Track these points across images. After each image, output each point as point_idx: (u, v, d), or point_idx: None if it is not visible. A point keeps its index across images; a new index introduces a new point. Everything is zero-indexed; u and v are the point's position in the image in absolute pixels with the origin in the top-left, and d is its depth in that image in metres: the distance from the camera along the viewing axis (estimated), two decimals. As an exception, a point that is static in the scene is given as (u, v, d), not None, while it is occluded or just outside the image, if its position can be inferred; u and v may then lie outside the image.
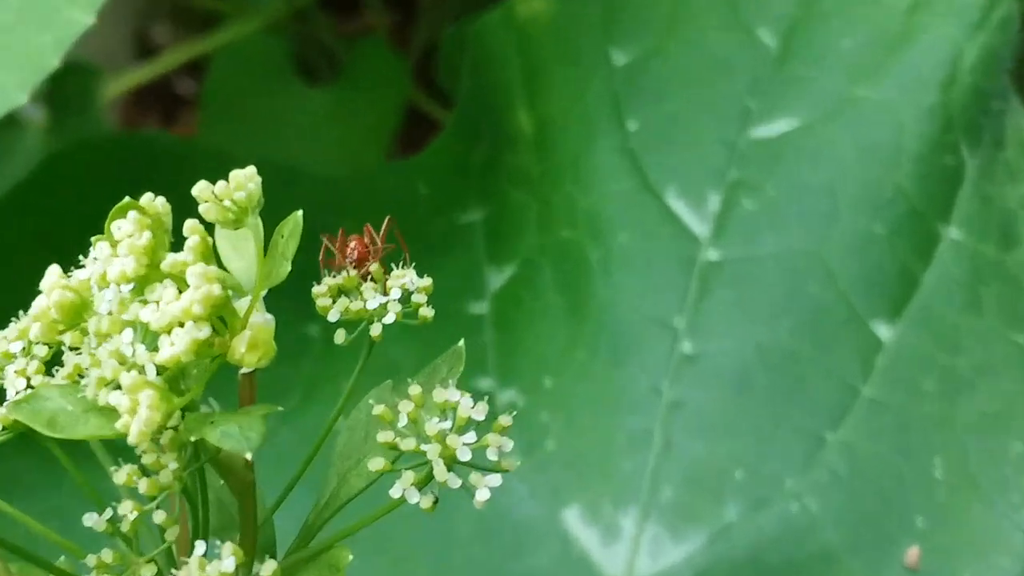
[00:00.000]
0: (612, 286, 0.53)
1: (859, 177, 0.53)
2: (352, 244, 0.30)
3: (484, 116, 0.58)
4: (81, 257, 0.29)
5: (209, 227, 0.28)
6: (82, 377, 0.27)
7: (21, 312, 0.31)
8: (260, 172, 0.61)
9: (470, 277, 0.56)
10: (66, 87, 0.74)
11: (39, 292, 0.30)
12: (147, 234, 0.27)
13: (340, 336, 0.30)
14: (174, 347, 0.26)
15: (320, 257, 0.31)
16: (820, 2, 0.54)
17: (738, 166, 0.53)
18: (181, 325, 0.26)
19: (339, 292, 0.30)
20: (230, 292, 0.27)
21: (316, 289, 0.30)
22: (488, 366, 0.54)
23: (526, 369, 0.53)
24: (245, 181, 0.27)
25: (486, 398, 0.28)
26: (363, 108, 0.82)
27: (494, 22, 0.57)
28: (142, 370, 0.26)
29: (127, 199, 0.29)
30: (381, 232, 0.30)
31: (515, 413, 0.29)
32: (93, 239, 0.28)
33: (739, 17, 0.55)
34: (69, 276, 0.28)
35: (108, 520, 0.28)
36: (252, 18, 0.83)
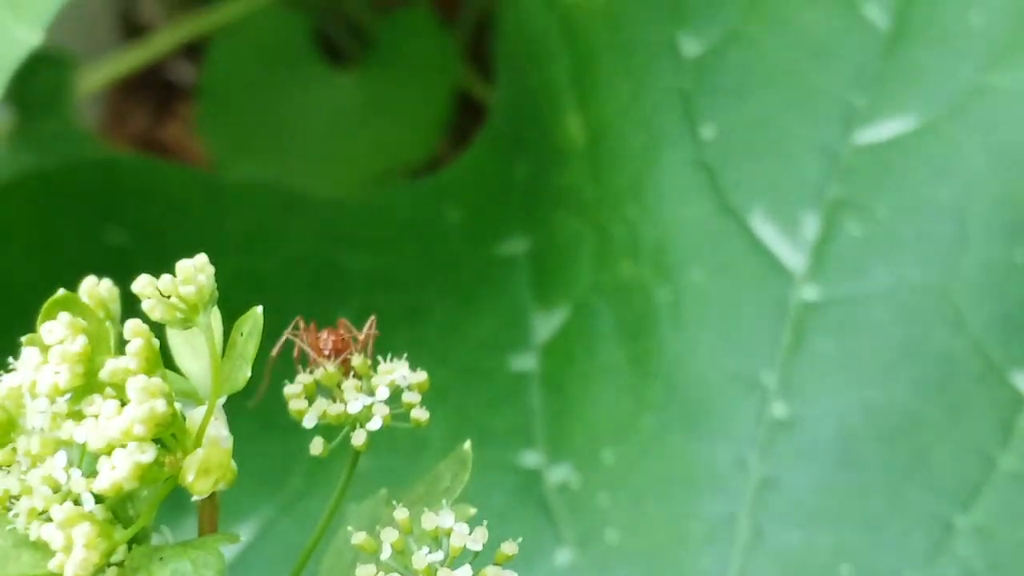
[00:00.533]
0: (685, 335, 0.55)
1: (993, 191, 0.54)
2: (326, 335, 0.32)
3: (526, 124, 0.60)
4: (10, 356, 0.31)
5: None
6: (12, 505, 0.30)
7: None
8: (253, 198, 0.64)
9: (512, 324, 0.58)
10: (35, 82, 0.77)
11: None
12: (81, 339, 0.29)
13: (317, 446, 0.32)
14: (115, 472, 0.28)
15: (294, 352, 0.33)
16: (941, -29, 0.56)
17: (840, 180, 0.55)
18: (123, 446, 0.28)
19: (317, 390, 0.33)
20: (178, 406, 0.29)
21: (288, 389, 0.32)
22: (535, 436, 0.56)
23: (581, 440, 0.55)
24: (194, 273, 0.29)
25: (485, 523, 0.30)
26: (403, 95, 0.84)
27: (535, 6, 0.59)
28: (78, 500, 0.29)
29: (62, 291, 0.31)
30: (366, 329, 0.33)
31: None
32: (22, 340, 0.31)
33: (840, -9, 0.56)
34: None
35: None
36: (263, -13, 0.85)
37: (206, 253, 0.30)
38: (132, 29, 0.96)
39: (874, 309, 0.54)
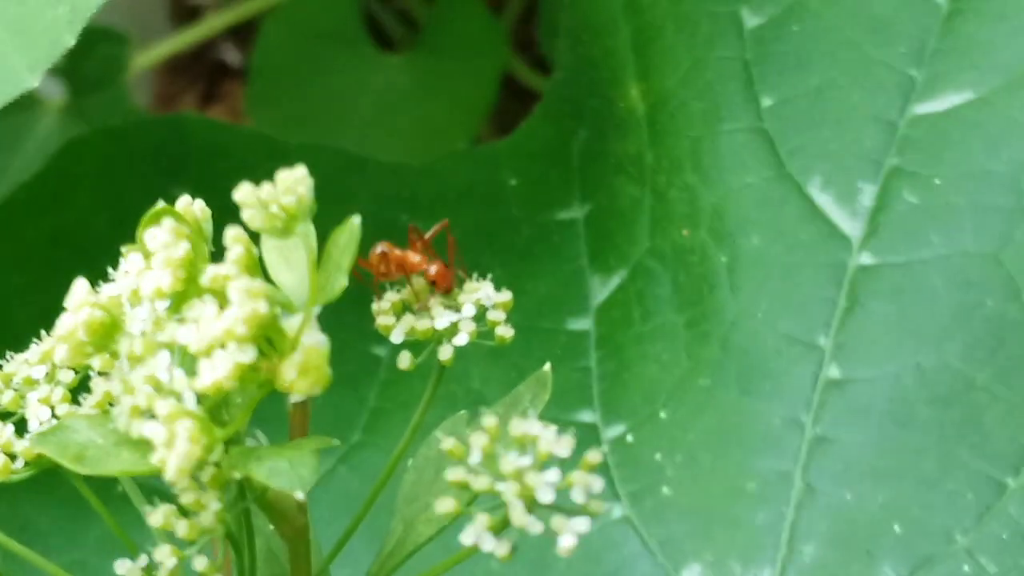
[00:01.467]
0: (742, 299, 0.56)
1: (1048, 162, 0.55)
2: (411, 254, 0.33)
3: (586, 93, 0.61)
4: (108, 265, 0.33)
5: (255, 234, 0.31)
6: (113, 406, 0.31)
7: (42, 330, 0.35)
8: (316, 159, 0.65)
9: (569, 287, 0.59)
10: (88, 59, 0.78)
11: (59, 300, 0.34)
12: (185, 245, 0.30)
13: (404, 360, 0.33)
14: (215, 372, 0.29)
15: (375, 269, 0.34)
16: (1001, -57, 0.57)
17: (898, 150, 0.56)
18: (223, 347, 0.29)
19: (404, 308, 0.34)
20: (278, 310, 0.30)
21: (377, 305, 0.33)
22: (591, 395, 0.57)
23: (637, 399, 0.56)
24: (295, 184, 0.30)
25: (573, 430, 0.31)
26: (449, 79, 0.85)
27: (598, -23, 0.60)
28: (180, 397, 0.29)
29: (161, 204, 0.32)
30: (430, 234, 0.34)
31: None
32: (124, 249, 0.32)
33: (901, -35, 0.57)
34: (97, 291, 0.32)
35: (143, 569, 0.31)
36: (313, -31, 0.86)
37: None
38: (181, 10, 0.97)
39: (929, 275, 0.54)
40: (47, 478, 0.56)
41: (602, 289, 0.58)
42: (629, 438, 0.56)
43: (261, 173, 0.61)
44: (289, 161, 0.62)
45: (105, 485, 0.54)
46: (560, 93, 0.62)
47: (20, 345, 0.55)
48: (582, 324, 0.58)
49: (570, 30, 0.62)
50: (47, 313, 0.58)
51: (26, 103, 0.77)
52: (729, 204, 0.57)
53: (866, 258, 0.55)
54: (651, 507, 0.55)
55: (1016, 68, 0.56)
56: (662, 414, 0.56)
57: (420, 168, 0.63)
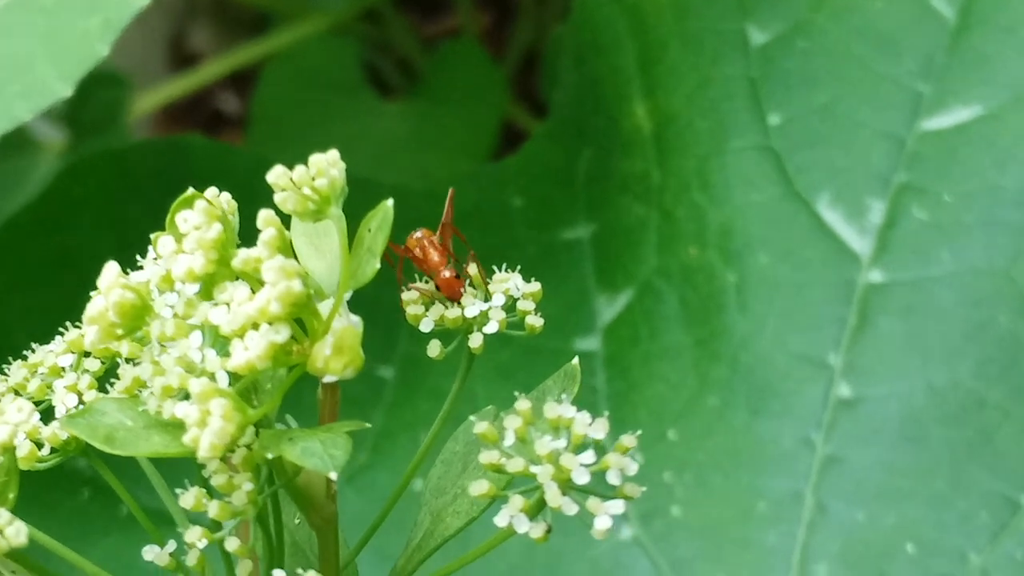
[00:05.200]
0: (751, 317, 0.57)
1: (1058, 179, 0.56)
2: (438, 246, 0.34)
3: (591, 112, 0.62)
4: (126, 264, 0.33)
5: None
6: (141, 391, 0.31)
7: (66, 325, 0.35)
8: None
9: (576, 307, 0.59)
10: (89, 101, 0.78)
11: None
12: (217, 226, 0.31)
13: (435, 348, 0.33)
14: (249, 352, 0.30)
15: (399, 261, 0.35)
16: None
17: (906, 167, 0.57)
18: (255, 328, 0.30)
19: (431, 300, 0.34)
20: (311, 290, 0.31)
21: (406, 295, 0.34)
22: (599, 416, 0.57)
23: (645, 419, 0.57)
24: (327, 167, 0.31)
25: (606, 414, 0.31)
26: (450, 126, 0.86)
27: (603, -4, 0.61)
28: (213, 377, 0.30)
29: (191, 191, 0.33)
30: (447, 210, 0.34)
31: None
32: (153, 236, 0.32)
33: (908, -19, 0.58)
34: (127, 276, 0.32)
35: (171, 554, 0.31)
36: (312, 18, 0.87)
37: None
38: (181, 57, 0.98)
39: (939, 292, 0.55)
40: (50, 496, 0.56)
41: (609, 309, 0.59)
42: (638, 458, 0.56)
43: (263, 193, 0.62)
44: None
45: (111, 506, 0.54)
46: (564, 113, 0.63)
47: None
48: (589, 344, 0.59)
49: (574, 49, 0.63)
50: (49, 334, 0.58)
51: (26, 146, 0.78)
52: (737, 222, 0.58)
53: (876, 275, 0.56)
54: (661, 528, 0.55)
55: (1023, 83, 0.57)
56: (671, 434, 0.56)
57: (425, 190, 0.63)
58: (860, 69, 0.58)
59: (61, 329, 0.34)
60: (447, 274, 0.35)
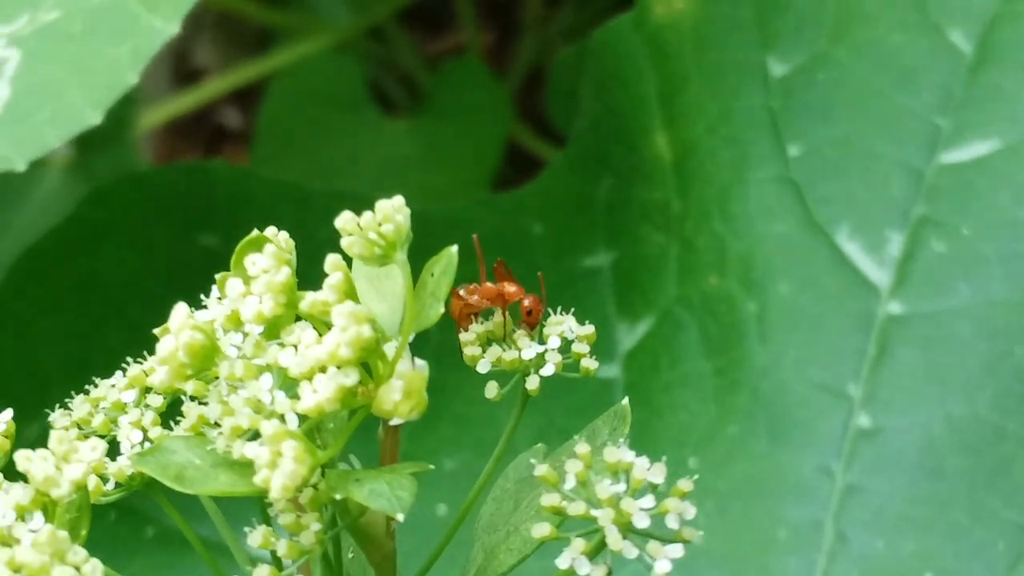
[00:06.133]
0: (771, 347, 0.57)
1: (1075, 213, 0.57)
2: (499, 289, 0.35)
3: (611, 141, 0.62)
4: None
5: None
6: (207, 429, 0.32)
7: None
8: (338, 205, 0.66)
9: (596, 334, 0.60)
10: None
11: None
12: (286, 270, 0.32)
13: (492, 389, 0.34)
14: (318, 394, 0.30)
15: (452, 303, 0.36)
16: (1025, -2, 0.59)
17: (925, 199, 0.58)
18: (323, 371, 0.31)
19: (488, 341, 0.35)
20: (379, 335, 0.31)
21: (464, 336, 0.35)
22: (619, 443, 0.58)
23: (665, 447, 0.58)
24: (394, 212, 0.32)
25: (664, 459, 0.32)
26: (453, 145, 0.87)
27: (624, 27, 0.62)
28: (282, 419, 0.31)
29: (256, 232, 0.34)
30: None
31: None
32: (218, 276, 0.33)
33: (926, 15, 0.59)
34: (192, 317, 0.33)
35: (236, 589, 0.32)
36: (317, 35, 0.88)
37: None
38: (185, 73, 0.99)
39: (958, 324, 0.56)
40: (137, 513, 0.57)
41: (629, 336, 0.60)
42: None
43: (286, 219, 0.63)
44: (312, 207, 0.64)
45: (137, 529, 0.55)
46: (584, 140, 0.64)
47: (48, 387, 0.56)
48: (610, 371, 0.60)
49: (594, 78, 0.63)
50: (73, 356, 0.59)
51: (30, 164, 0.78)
52: (757, 253, 0.59)
53: (895, 307, 0.57)
54: (682, 556, 0.56)
55: (1042, 119, 0.58)
56: (691, 462, 0.57)
57: (444, 215, 0.64)
58: (879, 102, 0.59)
59: (124, 365, 0.35)
60: (530, 300, 0.36)
